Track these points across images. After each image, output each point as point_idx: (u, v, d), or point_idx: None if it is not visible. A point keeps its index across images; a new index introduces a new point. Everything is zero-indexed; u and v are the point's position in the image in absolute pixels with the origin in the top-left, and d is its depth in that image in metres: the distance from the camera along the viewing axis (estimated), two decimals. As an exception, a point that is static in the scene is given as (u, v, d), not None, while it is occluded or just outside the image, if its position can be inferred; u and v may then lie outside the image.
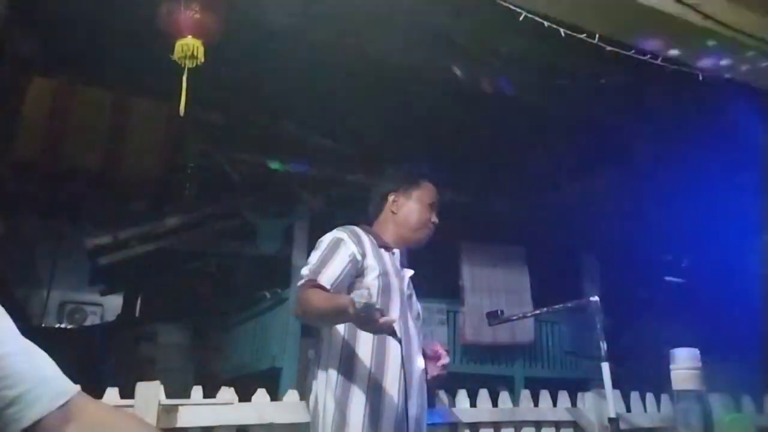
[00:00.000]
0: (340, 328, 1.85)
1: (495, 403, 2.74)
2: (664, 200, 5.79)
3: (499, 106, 4.71)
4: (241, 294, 6.91)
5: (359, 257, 1.89)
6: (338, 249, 1.88)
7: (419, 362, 1.93)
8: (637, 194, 5.93)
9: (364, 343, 1.83)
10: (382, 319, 1.53)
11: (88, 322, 9.94)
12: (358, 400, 1.78)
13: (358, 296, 1.53)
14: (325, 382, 1.83)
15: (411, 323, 1.97)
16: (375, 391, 1.79)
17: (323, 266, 1.84)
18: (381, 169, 2.28)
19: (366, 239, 1.96)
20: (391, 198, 2.12)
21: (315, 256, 1.89)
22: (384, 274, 1.91)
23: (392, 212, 2.11)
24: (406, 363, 1.80)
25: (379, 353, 1.83)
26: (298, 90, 4.91)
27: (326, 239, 1.93)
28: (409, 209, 2.10)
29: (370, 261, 1.91)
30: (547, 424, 2.78)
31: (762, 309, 4.84)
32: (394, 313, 1.85)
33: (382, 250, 2.00)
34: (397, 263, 2.02)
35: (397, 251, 2.04)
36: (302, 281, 1.83)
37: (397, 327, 1.77)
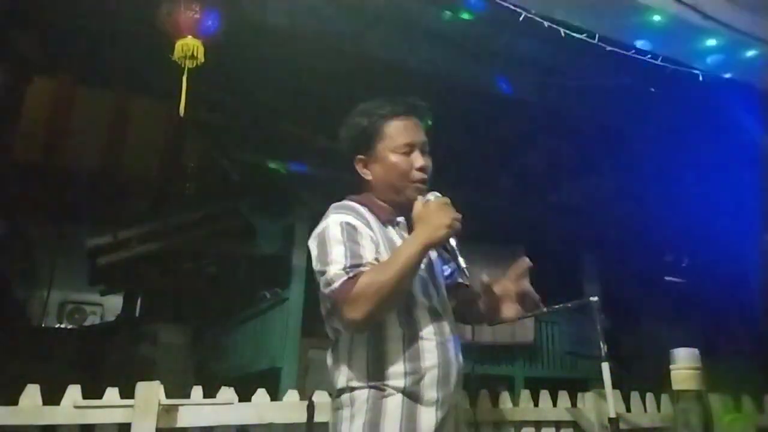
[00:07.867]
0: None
1: (495, 403, 2.73)
2: (664, 200, 5.79)
3: (500, 106, 4.71)
4: (241, 294, 6.90)
5: (375, 240, 1.53)
6: (356, 233, 1.50)
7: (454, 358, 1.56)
8: (637, 194, 5.93)
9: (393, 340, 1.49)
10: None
11: (88, 322, 9.93)
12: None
13: (433, 196, 1.53)
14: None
15: (438, 305, 1.59)
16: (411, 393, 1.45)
17: (357, 252, 1.46)
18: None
19: (368, 216, 1.59)
20: (358, 165, 1.68)
21: (336, 250, 1.46)
22: None
23: (366, 180, 1.67)
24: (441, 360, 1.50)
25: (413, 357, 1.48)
26: (298, 90, 4.91)
27: (333, 228, 1.51)
28: (382, 166, 1.64)
29: (380, 242, 1.54)
30: (547, 424, 2.78)
31: (762, 309, 4.84)
32: (419, 299, 1.54)
33: (389, 227, 1.62)
34: (406, 233, 1.61)
35: (402, 220, 1.62)
36: (343, 278, 1.41)
37: (423, 313, 1.53)
